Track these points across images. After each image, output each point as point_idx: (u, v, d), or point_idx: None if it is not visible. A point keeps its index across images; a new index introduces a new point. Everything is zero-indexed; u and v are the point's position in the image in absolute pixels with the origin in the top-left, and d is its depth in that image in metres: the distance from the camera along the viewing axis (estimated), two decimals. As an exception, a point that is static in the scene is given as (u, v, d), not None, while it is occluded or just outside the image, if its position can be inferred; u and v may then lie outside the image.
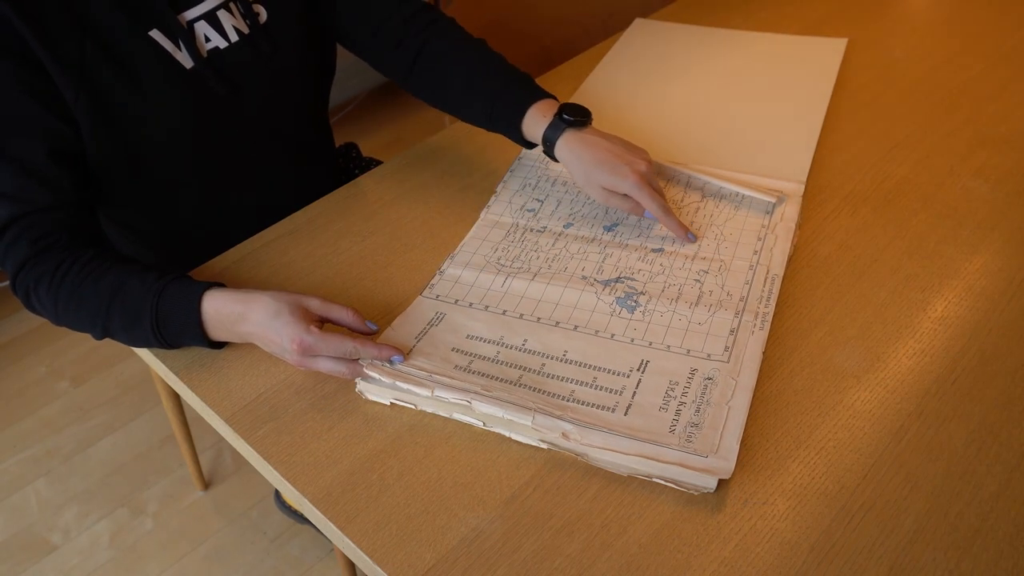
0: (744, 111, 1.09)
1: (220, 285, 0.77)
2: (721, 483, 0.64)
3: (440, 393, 0.70)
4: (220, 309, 0.74)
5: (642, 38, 1.28)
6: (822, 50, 1.21)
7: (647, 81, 1.16)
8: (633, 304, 0.80)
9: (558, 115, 0.89)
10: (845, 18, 1.31)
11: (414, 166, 1.04)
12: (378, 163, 1.20)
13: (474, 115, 0.96)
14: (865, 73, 1.16)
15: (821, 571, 0.58)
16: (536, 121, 0.90)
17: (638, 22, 1.32)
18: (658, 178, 0.88)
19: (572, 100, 1.13)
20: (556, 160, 0.91)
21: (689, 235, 0.86)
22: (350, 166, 1.23)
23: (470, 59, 0.96)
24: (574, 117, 0.88)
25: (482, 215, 0.94)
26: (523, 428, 0.68)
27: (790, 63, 1.18)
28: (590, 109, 0.90)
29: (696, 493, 0.63)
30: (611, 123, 1.08)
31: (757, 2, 1.37)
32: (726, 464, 0.64)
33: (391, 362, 0.73)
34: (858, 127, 1.05)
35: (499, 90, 0.93)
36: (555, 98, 0.93)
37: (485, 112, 0.94)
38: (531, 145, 0.94)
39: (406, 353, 0.75)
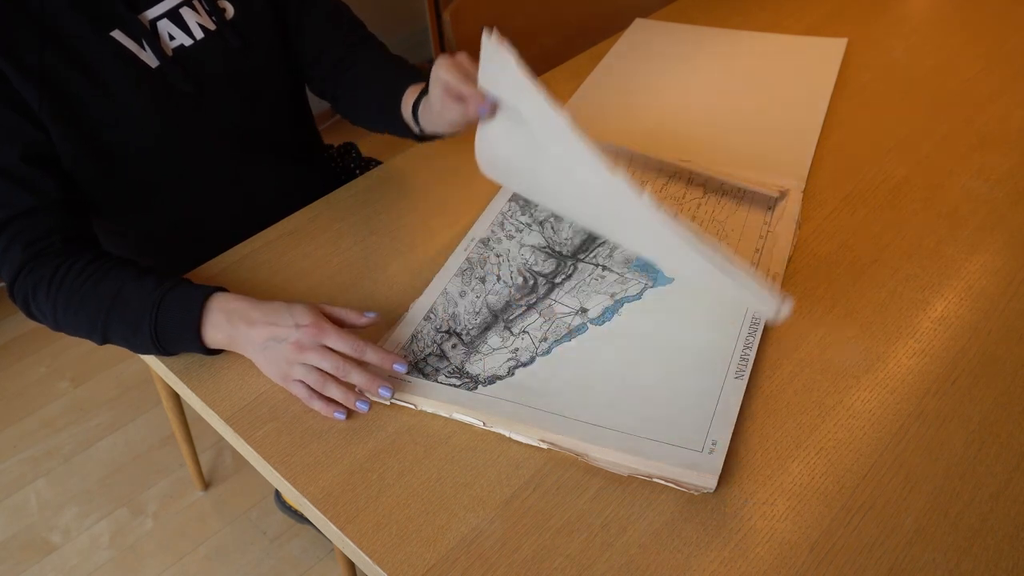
0: (744, 111, 1.08)
1: (222, 289, 0.77)
2: (721, 483, 0.64)
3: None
4: (226, 306, 0.74)
5: (642, 38, 1.28)
6: (822, 50, 1.21)
7: (647, 81, 1.16)
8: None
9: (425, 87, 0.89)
10: (845, 18, 1.31)
11: (414, 166, 1.04)
12: (378, 163, 1.20)
13: (374, 118, 0.98)
14: (865, 73, 1.16)
15: (821, 571, 0.58)
16: (408, 100, 0.91)
17: (638, 22, 1.32)
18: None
19: (572, 100, 1.13)
20: (422, 132, 0.90)
21: (481, 109, 0.76)
22: (350, 166, 1.22)
23: (381, 75, 0.98)
24: None
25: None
26: (523, 428, 0.68)
27: (790, 63, 1.18)
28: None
29: (696, 493, 0.63)
30: (610, 121, 1.08)
31: (757, 2, 1.37)
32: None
33: (394, 369, 0.72)
34: (858, 127, 1.05)
35: (390, 86, 0.94)
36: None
37: (378, 106, 0.96)
38: (417, 136, 0.93)
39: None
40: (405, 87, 0.92)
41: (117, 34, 0.83)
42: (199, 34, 0.88)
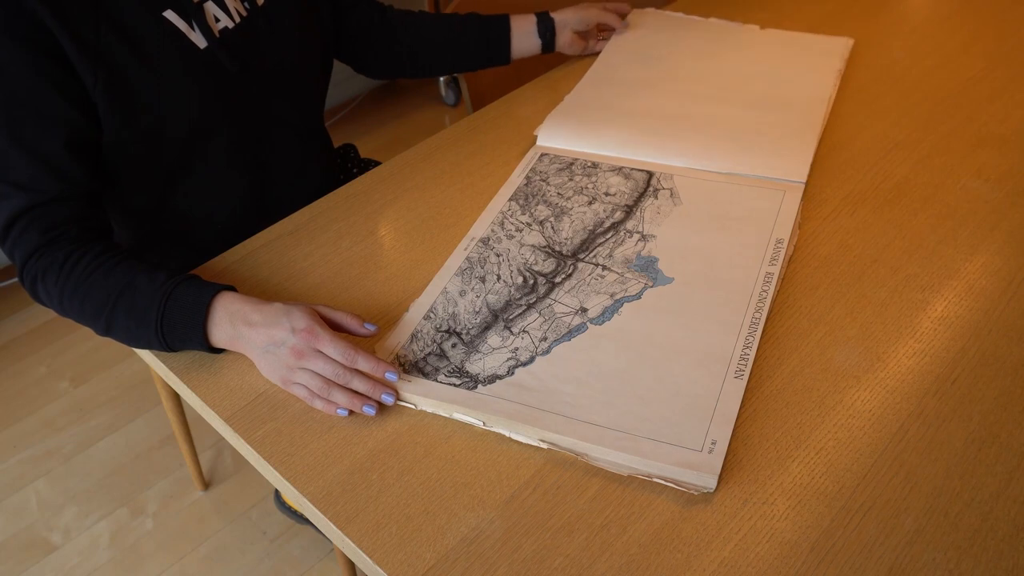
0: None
1: (231, 288, 0.77)
2: (721, 483, 0.64)
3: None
4: (228, 306, 0.74)
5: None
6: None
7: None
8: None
9: (538, 15, 1.17)
10: (845, 18, 1.31)
11: (414, 166, 1.04)
12: (377, 163, 1.21)
13: (459, 55, 1.17)
14: (865, 73, 1.16)
15: (821, 571, 0.58)
16: (522, 23, 1.16)
17: (636, 13, 1.31)
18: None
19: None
20: (551, 46, 1.18)
21: None
22: (349, 166, 1.23)
23: (466, 19, 1.16)
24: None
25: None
26: (523, 428, 0.68)
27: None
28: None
29: (696, 493, 0.63)
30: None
31: (757, 1, 1.37)
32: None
33: (385, 377, 0.72)
34: (858, 127, 1.05)
35: (485, 23, 1.15)
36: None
37: (471, 42, 1.15)
38: (504, 61, 1.18)
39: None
40: (506, 20, 1.15)
41: (169, 14, 0.84)
42: (237, 18, 0.90)
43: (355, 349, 0.71)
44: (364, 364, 0.71)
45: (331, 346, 0.71)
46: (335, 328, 0.75)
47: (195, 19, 0.85)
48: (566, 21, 1.17)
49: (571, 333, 0.77)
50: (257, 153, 0.98)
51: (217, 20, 0.88)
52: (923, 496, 0.63)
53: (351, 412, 0.71)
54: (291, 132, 1.02)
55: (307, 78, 1.02)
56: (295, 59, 0.98)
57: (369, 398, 0.71)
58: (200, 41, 0.86)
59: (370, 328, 0.75)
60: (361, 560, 0.62)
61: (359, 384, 0.71)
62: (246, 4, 0.91)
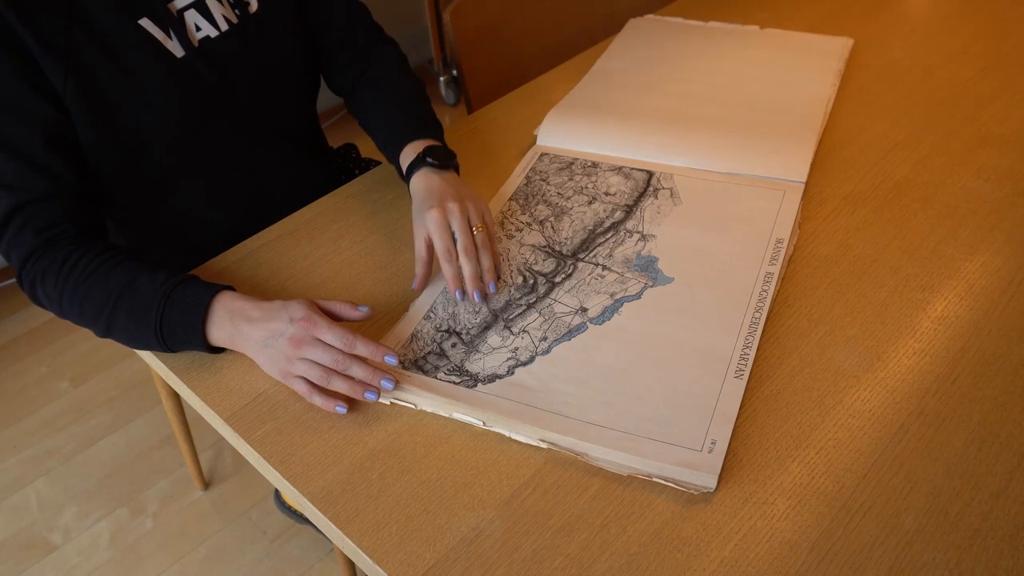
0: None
1: (230, 288, 0.78)
2: (721, 483, 0.64)
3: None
4: (228, 304, 0.74)
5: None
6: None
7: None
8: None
9: (422, 153, 0.88)
10: (845, 18, 1.31)
11: (414, 166, 1.04)
12: (377, 163, 1.20)
13: (378, 143, 0.98)
14: (865, 73, 1.16)
15: (821, 571, 0.58)
16: (407, 156, 0.90)
17: (632, 23, 1.32)
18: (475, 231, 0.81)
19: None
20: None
21: (460, 293, 0.80)
22: (349, 166, 1.23)
23: (392, 93, 0.99)
24: (435, 159, 0.87)
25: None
26: (523, 427, 0.68)
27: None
28: (455, 154, 0.90)
29: (696, 493, 0.63)
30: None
31: (757, 2, 1.37)
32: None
33: (384, 361, 0.72)
34: (858, 127, 1.05)
35: (396, 124, 0.95)
36: (442, 144, 0.93)
37: (381, 141, 0.97)
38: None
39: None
40: (409, 138, 0.92)
41: (145, 22, 0.84)
42: (224, 26, 0.89)
43: (353, 334, 0.71)
44: (363, 349, 0.71)
45: (329, 333, 0.71)
46: (334, 319, 0.75)
47: (172, 28, 0.85)
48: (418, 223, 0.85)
49: (571, 333, 0.77)
50: (248, 159, 0.98)
51: (199, 29, 0.87)
52: (923, 496, 0.63)
53: (349, 408, 0.71)
54: (284, 138, 1.02)
55: (300, 82, 1.02)
56: (287, 65, 0.97)
57: (369, 384, 0.71)
58: (177, 50, 0.85)
59: (363, 310, 0.75)
60: (361, 560, 0.62)
61: (358, 371, 0.71)
62: (237, 12, 0.91)
